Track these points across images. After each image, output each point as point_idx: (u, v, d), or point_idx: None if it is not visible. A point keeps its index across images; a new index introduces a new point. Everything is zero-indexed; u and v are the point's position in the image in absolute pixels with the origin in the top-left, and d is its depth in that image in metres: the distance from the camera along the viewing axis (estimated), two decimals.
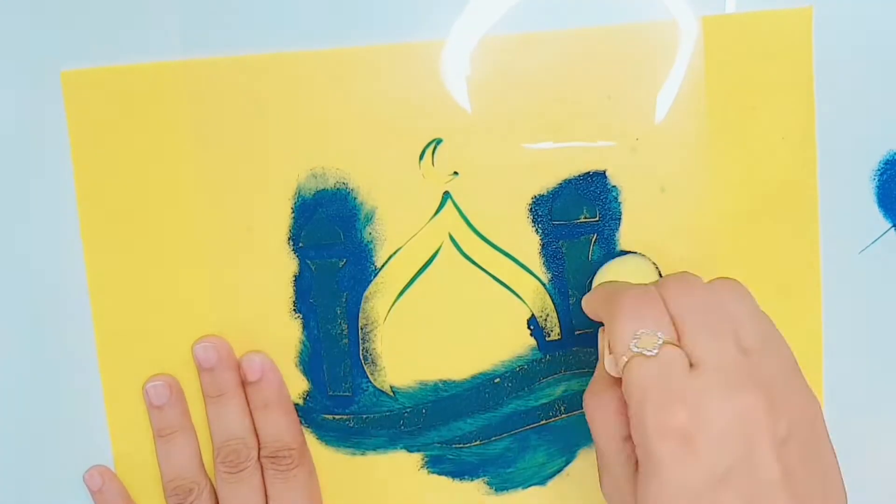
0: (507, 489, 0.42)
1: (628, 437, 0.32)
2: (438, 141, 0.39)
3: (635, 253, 0.40)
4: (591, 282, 0.40)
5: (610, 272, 0.39)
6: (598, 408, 0.33)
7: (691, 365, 0.31)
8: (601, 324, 0.35)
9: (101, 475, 0.41)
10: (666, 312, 0.32)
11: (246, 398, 0.41)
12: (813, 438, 0.31)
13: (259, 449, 0.41)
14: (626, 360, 0.31)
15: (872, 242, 0.40)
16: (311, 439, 0.42)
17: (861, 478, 0.42)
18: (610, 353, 0.32)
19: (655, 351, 0.31)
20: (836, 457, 0.32)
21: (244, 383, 0.41)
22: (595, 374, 0.35)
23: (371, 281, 0.41)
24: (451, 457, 0.41)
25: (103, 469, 0.42)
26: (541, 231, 0.40)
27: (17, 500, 0.42)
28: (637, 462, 0.31)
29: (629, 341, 0.31)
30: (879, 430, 0.42)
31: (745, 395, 0.30)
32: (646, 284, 0.34)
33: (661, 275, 0.40)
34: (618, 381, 0.32)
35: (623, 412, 0.32)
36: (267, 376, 0.40)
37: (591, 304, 0.36)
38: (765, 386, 0.30)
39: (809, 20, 0.39)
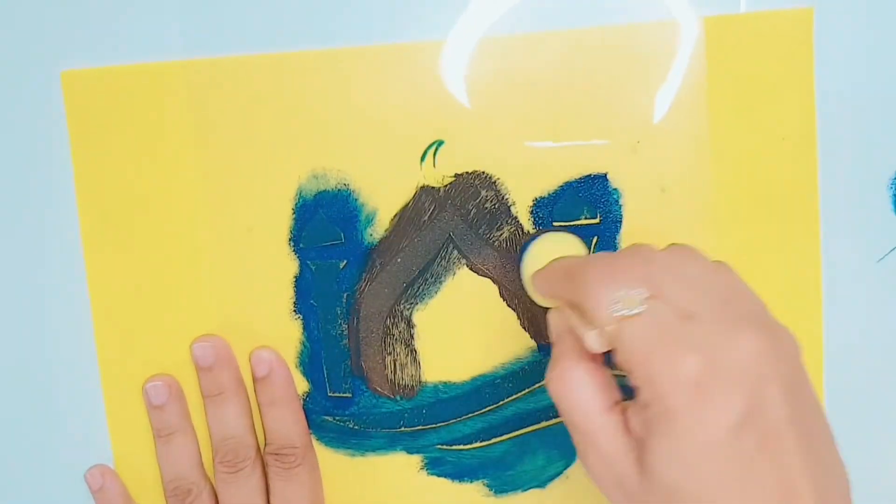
0: (507, 491, 0.42)
1: (611, 407, 0.31)
2: (440, 143, 0.39)
3: (560, 230, 0.40)
4: (522, 265, 0.40)
5: (541, 251, 0.39)
6: (571, 387, 0.31)
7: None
8: None
9: (101, 474, 0.41)
10: (638, 272, 0.31)
11: (245, 397, 0.41)
12: (804, 380, 0.30)
13: (262, 446, 0.41)
14: (612, 327, 0.30)
15: (892, 250, 0.40)
16: None
17: (861, 478, 0.42)
18: (586, 328, 0.31)
19: (642, 308, 0.30)
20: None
21: (253, 379, 0.41)
22: (553, 355, 0.33)
23: None
24: (450, 459, 0.41)
25: (104, 468, 0.42)
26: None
27: (18, 499, 0.42)
28: (631, 429, 0.30)
29: (609, 308, 0.30)
30: (880, 432, 0.42)
31: (743, 335, 0.28)
32: (603, 253, 0.33)
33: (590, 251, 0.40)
34: (585, 356, 0.31)
35: (598, 385, 0.31)
36: (275, 372, 0.40)
37: (547, 283, 0.34)
38: (760, 326, 0.29)
39: (810, 21, 0.39)
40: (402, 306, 0.40)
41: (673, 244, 0.33)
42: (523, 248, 0.40)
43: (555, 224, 0.40)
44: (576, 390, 0.31)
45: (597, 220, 0.40)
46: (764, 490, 0.28)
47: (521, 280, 0.40)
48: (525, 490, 0.42)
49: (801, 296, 0.40)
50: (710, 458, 0.28)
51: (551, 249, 0.39)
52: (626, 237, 0.40)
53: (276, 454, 0.40)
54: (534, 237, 0.40)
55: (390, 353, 0.41)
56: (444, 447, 0.41)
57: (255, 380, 0.41)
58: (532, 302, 0.40)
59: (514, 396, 0.41)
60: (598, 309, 0.30)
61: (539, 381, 0.41)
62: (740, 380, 0.28)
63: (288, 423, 0.40)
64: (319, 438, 0.42)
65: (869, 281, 0.41)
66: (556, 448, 0.41)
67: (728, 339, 0.28)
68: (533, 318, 0.40)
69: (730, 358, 0.28)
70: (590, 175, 0.39)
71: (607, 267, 0.31)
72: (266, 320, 0.41)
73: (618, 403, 0.31)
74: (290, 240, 0.40)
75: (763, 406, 0.28)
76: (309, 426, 0.41)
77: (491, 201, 0.40)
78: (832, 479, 0.29)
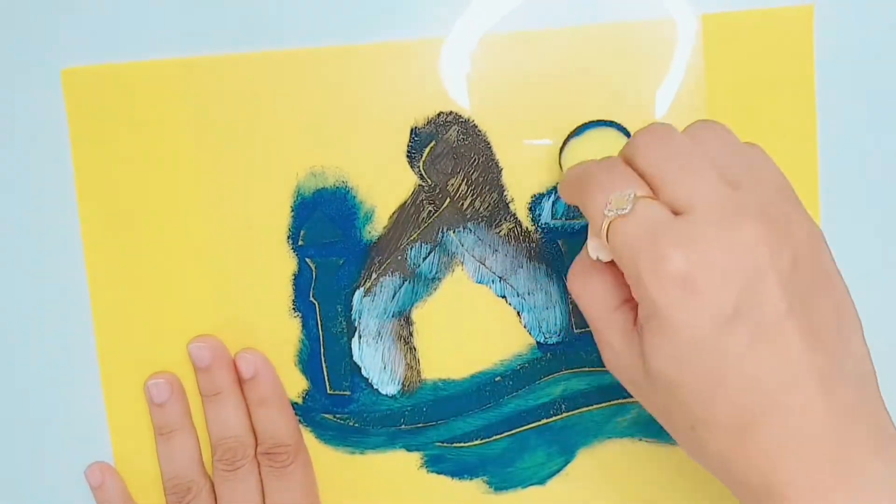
0: (507, 488, 0.42)
1: (620, 305, 0.31)
2: (438, 140, 0.39)
3: (601, 123, 0.39)
4: (561, 164, 0.39)
5: (576, 149, 0.38)
6: (584, 286, 0.32)
7: (676, 214, 0.29)
8: None
9: (101, 471, 0.41)
10: (633, 173, 0.31)
11: (243, 397, 0.41)
12: (819, 267, 0.30)
13: (256, 446, 0.41)
14: (605, 228, 0.30)
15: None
16: (310, 438, 0.42)
17: None
18: (590, 236, 0.31)
19: (629, 207, 0.29)
20: (845, 285, 0.31)
21: (240, 381, 0.41)
22: (577, 258, 0.33)
23: None
24: (450, 456, 0.41)
25: (104, 465, 0.42)
26: (540, 230, 0.40)
27: (18, 498, 0.42)
28: (636, 325, 0.30)
29: (602, 211, 0.30)
30: None
31: (740, 227, 0.28)
32: (613, 158, 0.32)
33: None
34: (598, 264, 0.32)
35: (609, 284, 0.32)
36: (261, 373, 0.40)
37: (566, 192, 0.34)
38: (762, 216, 0.28)
39: (811, 18, 0.39)
40: (400, 304, 0.41)
41: (699, 121, 0.32)
42: (564, 144, 0.39)
43: (553, 221, 0.40)
44: (588, 290, 0.32)
45: None
46: (759, 382, 0.28)
47: (523, 273, 0.40)
48: (525, 487, 0.42)
49: None
50: (699, 353, 0.28)
51: (587, 148, 0.38)
52: None
53: (268, 453, 0.40)
54: (573, 134, 0.39)
55: (389, 351, 0.41)
56: (444, 444, 0.41)
57: (241, 381, 0.41)
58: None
59: (514, 394, 0.41)
60: (592, 215, 0.31)
61: (538, 378, 0.41)
62: (730, 274, 0.28)
63: (277, 422, 0.40)
64: (319, 436, 0.42)
65: (869, 281, 0.40)
66: (556, 445, 0.41)
67: (720, 232, 0.28)
68: (532, 314, 0.41)
69: (719, 252, 0.28)
70: None
71: (605, 171, 0.31)
72: (265, 318, 0.41)
73: (628, 301, 0.31)
74: (288, 238, 0.40)
75: (757, 300, 0.28)
76: (308, 424, 0.41)
77: (489, 198, 0.40)
78: (844, 366, 0.29)
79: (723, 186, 0.29)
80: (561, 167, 0.39)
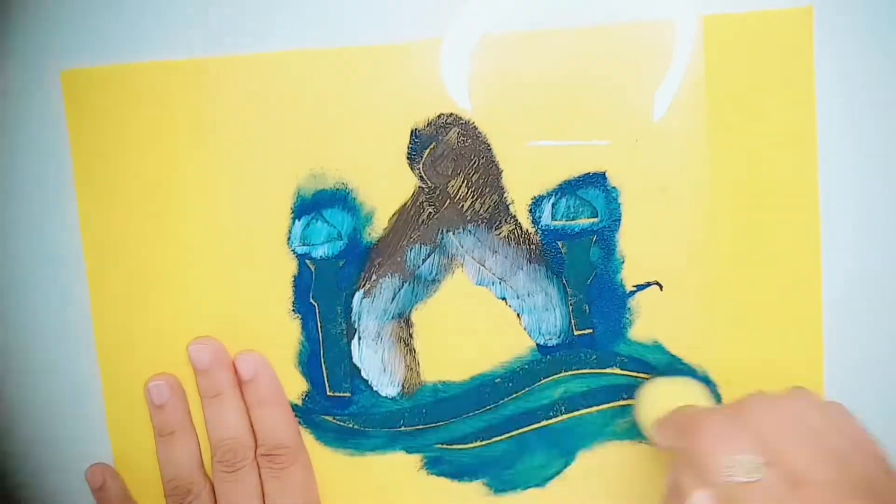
0: (506, 491, 0.42)
1: None
2: (439, 141, 0.39)
3: (683, 375, 0.40)
4: (638, 403, 0.39)
5: (658, 394, 0.39)
6: None
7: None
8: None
9: (102, 473, 0.42)
10: (749, 436, 0.31)
11: (242, 398, 0.41)
12: None
13: (256, 447, 0.41)
14: (723, 491, 0.30)
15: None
16: (309, 440, 0.42)
17: None
18: (695, 488, 0.31)
19: (757, 476, 0.30)
20: None
21: (239, 382, 0.41)
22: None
23: None
24: (450, 458, 0.41)
25: (105, 467, 0.42)
26: (540, 232, 0.40)
27: (18, 498, 0.42)
28: None
29: (724, 469, 0.31)
30: (881, 433, 0.42)
31: None
32: (723, 406, 0.33)
33: (714, 396, 0.40)
34: None
35: None
36: (260, 375, 0.40)
37: (666, 434, 0.35)
38: (867, 491, 0.30)
39: (810, 20, 0.39)
40: (400, 305, 0.40)
41: (793, 389, 0.34)
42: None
43: (553, 223, 0.40)
44: None
45: (596, 219, 0.40)
46: None
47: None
48: (524, 489, 0.42)
49: (801, 295, 0.40)
50: None
51: (671, 394, 0.38)
52: (625, 235, 0.40)
53: (268, 455, 0.40)
54: (654, 378, 0.40)
55: (389, 352, 0.41)
56: (444, 446, 0.41)
57: (241, 383, 0.41)
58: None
59: (514, 395, 0.41)
60: (711, 471, 0.31)
61: (538, 380, 0.41)
62: None
63: (277, 423, 0.41)
64: (318, 438, 0.42)
65: (869, 281, 0.40)
66: (555, 447, 0.41)
67: None
68: (532, 316, 0.40)
69: None
70: (588, 173, 0.39)
71: (724, 426, 0.32)
72: (265, 320, 0.41)
73: None
74: (288, 239, 0.40)
75: None
76: (308, 426, 0.41)
77: (489, 200, 0.40)
78: None
79: (834, 462, 0.30)
80: (639, 407, 0.39)
